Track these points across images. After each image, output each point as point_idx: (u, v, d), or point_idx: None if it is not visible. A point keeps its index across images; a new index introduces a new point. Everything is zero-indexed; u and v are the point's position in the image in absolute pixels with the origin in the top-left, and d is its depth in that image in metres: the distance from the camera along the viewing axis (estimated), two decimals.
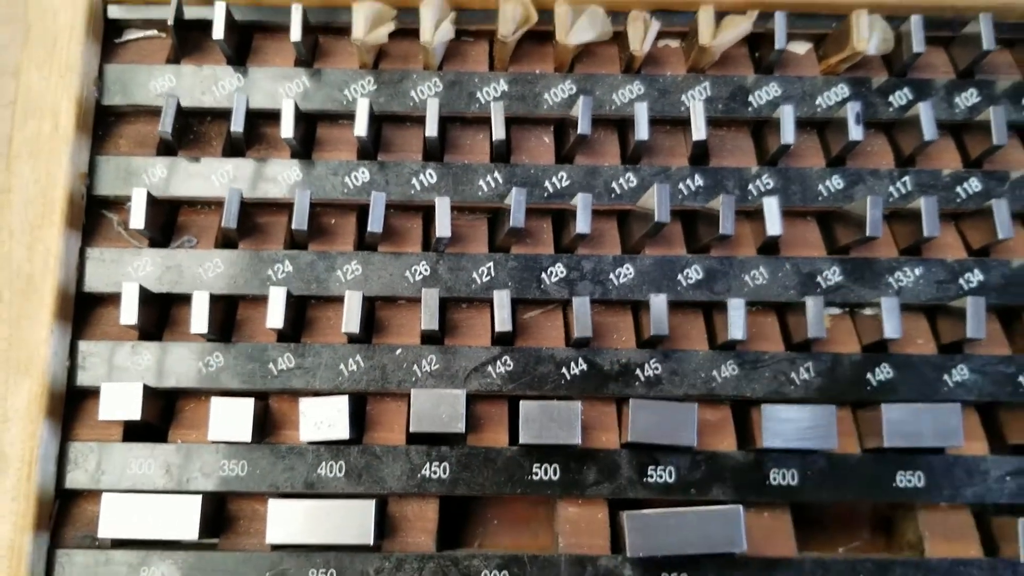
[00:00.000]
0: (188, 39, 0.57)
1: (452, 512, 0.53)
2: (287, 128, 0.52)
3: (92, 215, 0.55)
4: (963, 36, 0.57)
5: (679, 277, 0.53)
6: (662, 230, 0.51)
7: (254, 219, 0.55)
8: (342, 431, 0.49)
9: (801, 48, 0.58)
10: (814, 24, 0.57)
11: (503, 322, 0.50)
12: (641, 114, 0.53)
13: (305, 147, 0.55)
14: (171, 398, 0.53)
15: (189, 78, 0.56)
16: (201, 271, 0.53)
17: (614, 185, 0.55)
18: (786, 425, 0.50)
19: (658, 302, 0.51)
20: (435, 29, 0.53)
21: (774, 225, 0.51)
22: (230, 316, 0.54)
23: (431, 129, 0.52)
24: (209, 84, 0.55)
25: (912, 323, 0.54)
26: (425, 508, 0.51)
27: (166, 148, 0.55)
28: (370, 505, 0.48)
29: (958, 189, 0.55)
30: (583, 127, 0.53)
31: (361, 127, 0.52)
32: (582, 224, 0.51)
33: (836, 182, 0.54)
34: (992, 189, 0.55)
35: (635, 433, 0.49)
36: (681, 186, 0.55)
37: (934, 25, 0.57)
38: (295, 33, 0.53)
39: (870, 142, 0.56)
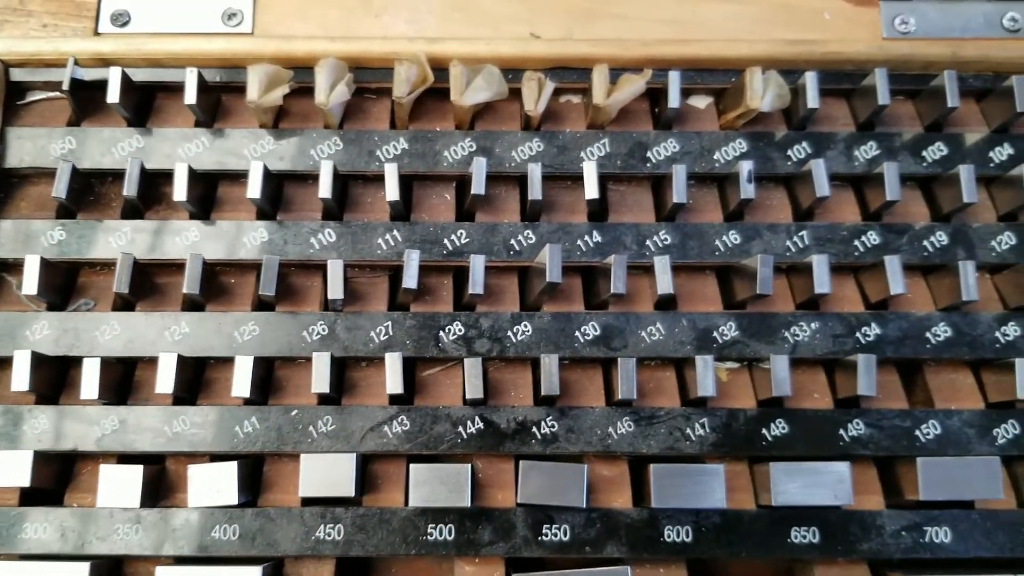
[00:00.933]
0: (90, 100, 0.58)
1: (351, 571, 0.54)
2: (180, 191, 0.54)
3: None
4: (862, 88, 0.58)
5: (576, 333, 0.54)
6: (557, 288, 0.52)
7: (153, 280, 0.56)
8: (231, 497, 0.50)
9: (701, 102, 0.59)
10: (713, 79, 0.58)
11: (395, 385, 0.51)
12: (535, 175, 0.55)
13: (204, 206, 0.56)
14: (69, 461, 0.54)
15: (89, 140, 0.57)
16: (98, 334, 0.54)
17: (513, 242, 0.56)
18: (677, 481, 0.50)
19: (549, 362, 0.52)
20: (330, 90, 0.54)
21: (665, 284, 0.53)
22: (127, 378, 0.55)
23: (324, 191, 0.53)
24: (108, 146, 0.57)
25: (809, 377, 0.55)
26: (321, 569, 0.52)
27: (65, 210, 0.56)
28: (256, 571, 0.48)
29: (856, 243, 0.56)
30: (477, 187, 0.54)
31: (255, 189, 0.54)
32: (476, 284, 0.52)
33: (733, 237, 0.56)
34: (891, 242, 0.56)
35: (525, 495, 0.50)
36: (580, 242, 0.56)
37: (833, 78, 0.58)
38: (190, 96, 0.55)
39: (769, 195, 0.58)
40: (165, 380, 0.52)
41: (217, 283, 0.56)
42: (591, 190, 0.55)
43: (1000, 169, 0.58)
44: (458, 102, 0.55)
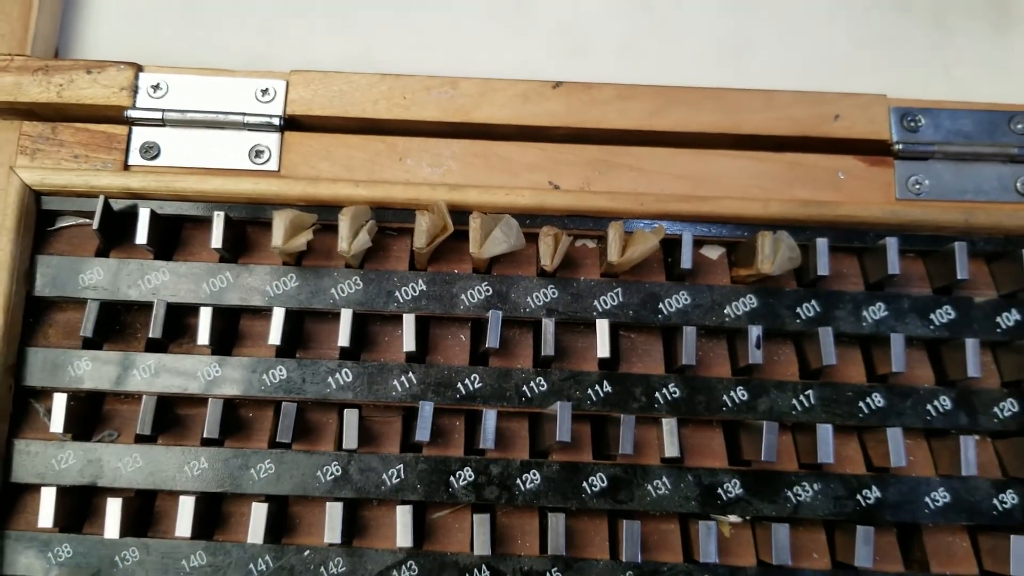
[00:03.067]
0: (118, 230, 0.62)
1: None
2: (204, 335, 0.58)
3: (20, 404, 0.60)
4: (873, 249, 0.61)
5: (584, 484, 0.58)
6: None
7: (174, 412, 0.60)
8: None
9: (714, 253, 0.63)
10: (726, 231, 0.62)
11: (404, 538, 0.55)
12: (549, 330, 0.59)
13: (226, 341, 0.60)
14: None
15: (116, 272, 0.61)
16: (120, 465, 0.59)
17: (525, 389, 0.60)
18: None
19: (556, 522, 0.56)
20: (352, 238, 0.58)
21: (672, 447, 0.57)
22: (147, 511, 0.59)
23: (344, 339, 0.57)
24: (135, 278, 0.61)
25: (809, 537, 0.59)
26: None
27: (92, 340, 0.60)
28: None
29: (861, 404, 0.59)
30: (492, 340, 0.58)
31: (276, 335, 0.58)
32: (488, 439, 0.56)
33: (741, 393, 0.60)
34: (895, 405, 0.60)
35: None
36: (590, 391, 0.60)
37: (845, 236, 0.62)
38: (216, 239, 0.58)
39: (777, 352, 0.62)
40: (184, 522, 0.55)
41: (236, 417, 0.60)
42: (603, 348, 0.59)
43: (1007, 335, 0.61)
44: (477, 254, 0.59)
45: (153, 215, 0.61)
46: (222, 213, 0.61)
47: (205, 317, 0.59)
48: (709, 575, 0.58)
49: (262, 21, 0.71)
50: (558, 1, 0.72)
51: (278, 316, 0.60)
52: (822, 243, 0.61)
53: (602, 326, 0.60)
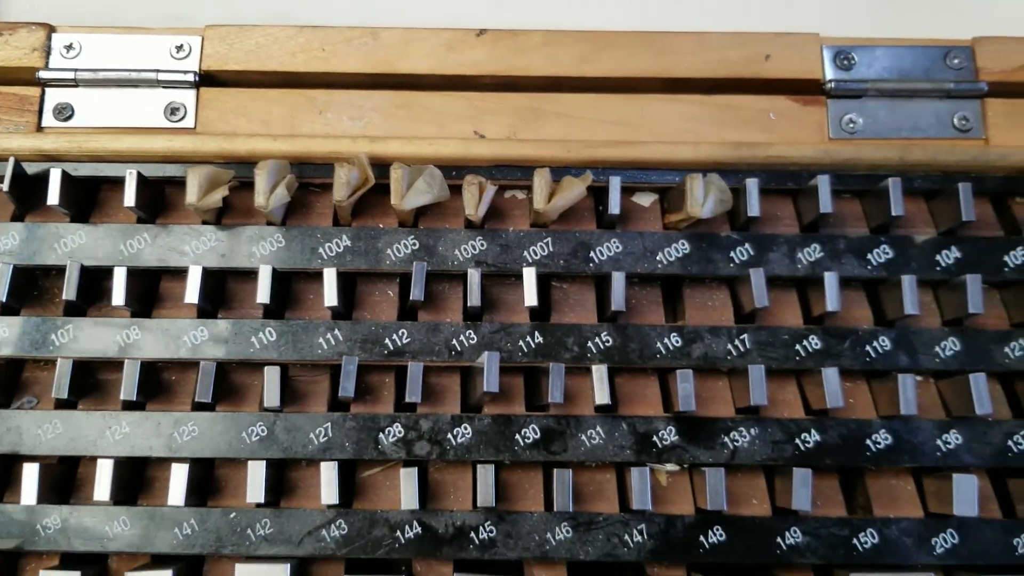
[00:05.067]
0: (33, 194, 0.61)
1: None
2: (119, 296, 0.57)
3: None
4: (807, 190, 0.61)
5: (516, 436, 0.58)
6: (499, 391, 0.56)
7: (95, 376, 0.59)
8: None
9: (646, 200, 0.63)
10: (658, 177, 0.62)
11: (330, 495, 0.54)
12: (475, 280, 0.58)
13: (145, 303, 0.60)
14: (12, 559, 0.57)
15: (31, 236, 0.61)
16: (40, 432, 0.58)
17: (455, 343, 0.59)
18: None
19: (485, 472, 0.55)
20: (270, 193, 0.57)
21: (603, 394, 0.56)
22: (69, 478, 0.58)
23: (263, 295, 0.57)
24: (51, 242, 0.60)
25: (747, 483, 0.59)
26: None
27: (8, 306, 0.59)
28: None
29: (798, 347, 0.59)
30: (416, 293, 0.58)
31: (193, 293, 0.57)
32: (414, 392, 0.56)
33: (674, 339, 0.59)
34: (833, 347, 0.59)
35: None
36: (521, 343, 0.59)
37: (778, 178, 0.61)
38: (129, 198, 0.58)
39: (711, 296, 0.61)
40: (103, 486, 0.55)
41: (158, 380, 0.60)
42: (530, 297, 0.58)
43: (946, 273, 0.61)
44: (398, 206, 0.58)
45: (65, 176, 0.60)
46: (134, 171, 0.60)
47: (120, 278, 0.59)
48: (646, 524, 0.58)
49: None
50: None
51: (195, 275, 0.59)
52: (752, 183, 0.61)
53: (528, 274, 0.60)
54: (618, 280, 0.59)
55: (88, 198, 0.64)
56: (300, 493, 0.59)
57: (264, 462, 0.56)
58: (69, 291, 0.59)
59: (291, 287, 0.63)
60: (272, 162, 0.60)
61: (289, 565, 0.55)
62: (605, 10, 0.68)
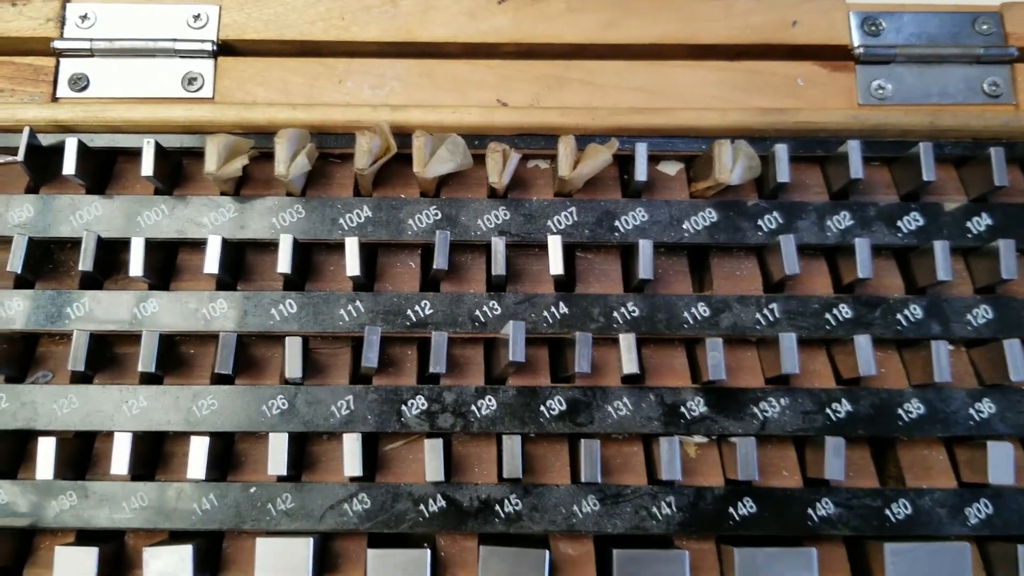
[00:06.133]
0: (48, 165, 0.60)
1: None
2: (136, 266, 0.55)
3: None
4: (836, 156, 0.59)
5: (542, 408, 0.56)
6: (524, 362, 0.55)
7: (112, 350, 0.58)
8: None
9: (672, 168, 0.61)
10: (684, 145, 0.60)
11: (353, 467, 0.53)
12: (499, 248, 0.56)
13: (163, 275, 0.58)
14: (27, 536, 0.55)
15: (47, 208, 0.59)
16: (56, 407, 0.56)
17: (478, 313, 0.57)
18: (641, 567, 0.52)
19: (512, 443, 0.53)
20: (291, 161, 0.56)
21: (631, 363, 0.54)
22: (85, 453, 0.56)
23: (284, 265, 0.55)
24: (67, 213, 0.58)
25: (778, 454, 0.57)
26: None
27: (24, 279, 0.57)
28: None
29: (828, 316, 0.57)
30: (440, 262, 0.56)
31: (212, 264, 0.55)
32: (438, 363, 0.54)
33: (702, 309, 0.57)
34: (863, 316, 0.57)
35: None
36: (546, 313, 0.57)
37: (807, 145, 0.60)
38: (147, 168, 0.56)
39: (739, 266, 0.59)
40: (120, 460, 0.53)
41: (176, 354, 0.58)
42: (556, 265, 0.56)
43: (978, 240, 0.59)
44: (420, 174, 0.57)
45: (81, 146, 0.59)
46: (152, 140, 0.58)
47: (137, 248, 0.57)
48: (674, 496, 0.56)
49: None
50: None
51: (214, 245, 0.57)
52: (781, 149, 0.59)
53: (554, 242, 0.58)
54: (645, 248, 0.57)
55: (104, 169, 0.62)
56: (321, 467, 0.57)
57: (286, 435, 0.55)
58: (85, 262, 0.57)
59: (311, 258, 0.61)
60: (292, 131, 0.58)
61: (312, 540, 0.53)
62: None
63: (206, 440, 0.54)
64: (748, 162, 0.58)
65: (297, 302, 0.58)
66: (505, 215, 0.60)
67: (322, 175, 0.61)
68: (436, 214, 0.60)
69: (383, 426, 0.57)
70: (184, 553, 0.53)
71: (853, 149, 0.59)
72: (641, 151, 0.59)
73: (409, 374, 0.59)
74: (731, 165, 0.58)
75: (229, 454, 0.58)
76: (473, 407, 0.57)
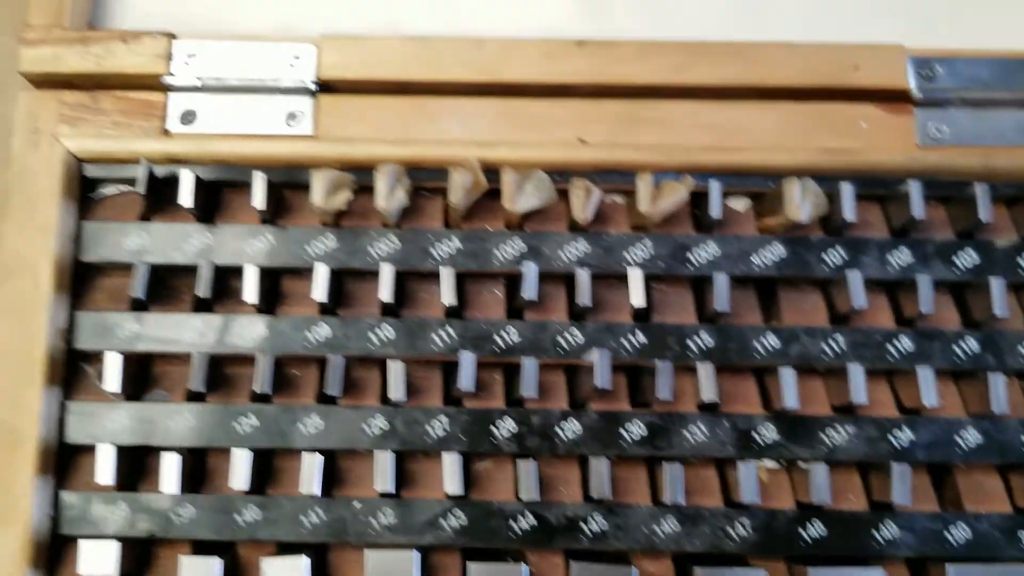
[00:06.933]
0: (159, 195, 0.63)
1: None
2: (251, 292, 0.59)
3: (71, 367, 0.61)
4: (896, 195, 0.62)
5: (622, 431, 0.60)
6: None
7: (222, 371, 0.61)
8: None
9: (740, 204, 0.64)
10: (751, 182, 0.63)
11: (453, 485, 0.57)
12: (584, 280, 0.59)
13: (269, 301, 0.61)
14: (147, 546, 0.59)
15: (159, 236, 0.62)
16: (172, 424, 0.60)
17: (560, 340, 0.61)
18: None
19: (600, 465, 0.57)
20: (390, 195, 0.59)
21: (710, 392, 0.58)
22: (200, 467, 0.60)
23: (385, 294, 0.59)
24: (179, 242, 0.62)
25: (844, 479, 0.61)
26: None
27: (139, 303, 0.61)
28: None
29: (889, 347, 0.60)
30: (529, 293, 0.59)
31: (320, 292, 0.59)
32: (529, 387, 0.57)
33: (772, 340, 0.61)
34: (923, 348, 0.61)
35: None
36: (624, 341, 0.61)
37: (868, 184, 0.63)
38: (258, 201, 0.59)
39: (805, 298, 0.63)
40: (239, 476, 0.57)
41: (281, 375, 0.61)
42: (637, 297, 0.60)
43: None
44: (511, 208, 0.60)
45: (196, 179, 0.62)
46: (263, 175, 0.62)
47: (251, 276, 0.60)
48: (749, 518, 0.60)
49: None
50: None
51: (322, 273, 0.61)
52: (847, 188, 0.62)
53: (635, 275, 0.61)
54: (721, 282, 0.61)
55: (211, 201, 0.65)
56: (417, 484, 0.61)
57: (391, 453, 0.58)
58: (203, 289, 0.60)
59: (403, 286, 0.64)
60: (391, 166, 0.61)
61: (416, 553, 0.57)
62: (696, 21, 0.69)
63: (319, 458, 0.58)
64: (816, 200, 0.62)
65: (394, 328, 0.62)
66: (585, 247, 0.63)
67: (414, 207, 0.65)
68: (521, 246, 0.63)
69: (475, 446, 0.60)
70: (300, 564, 0.57)
71: (915, 190, 0.62)
72: (716, 189, 0.62)
73: (497, 396, 0.62)
74: (800, 203, 0.61)
75: (331, 470, 0.61)
76: (558, 429, 0.61)
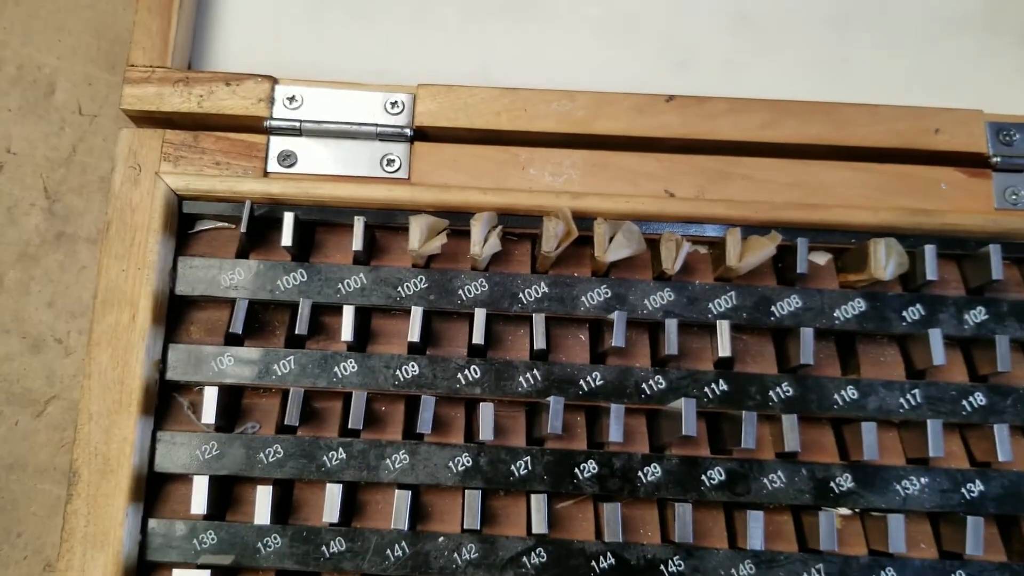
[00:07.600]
0: (256, 232, 0.64)
1: None
2: (347, 330, 0.60)
3: (163, 396, 0.62)
4: (974, 256, 0.63)
5: (703, 477, 0.60)
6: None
7: (312, 404, 0.62)
8: None
9: (822, 259, 0.65)
10: (833, 238, 0.64)
11: (540, 524, 0.58)
12: (671, 330, 0.60)
13: (360, 338, 0.62)
14: (232, 575, 0.60)
15: (256, 273, 0.63)
16: (262, 456, 0.61)
17: (644, 386, 0.62)
18: None
19: (683, 511, 0.58)
20: (484, 242, 0.60)
21: (792, 441, 0.59)
22: (287, 498, 0.61)
23: (478, 335, 0.60)
24: (274, 279, 0.63)
25: (916, 527, 0.62)
26: None
27: (233, 337, 0.62)
28: None
29: (964, 402, 0.62)
30: (617, 340, 0.61)
31: (415, 332, 0.60)
32: (615, 432, 0.59)
33: (851, 392, 0.62)
34: (996, 404, 0.62)
35: None
36: (707, 389, 0.62)
37: (946, 243, 0.64)
38: (357, 243, 0.61)
39: (884, 352, 0.64)
40: (331, 509, 0.58)
41: (370, 411, 0.62)
42: (724, 348, 0.61)
43: None
44: (601, 259, 0.61)
45: (296, 220, 0.64)
46: (362, 218, 0.63)
47: (348, 315, 0.62)
48: (824, 565, 0.61)
49: (383, 35, 0.74)
50: (663, 16, 0.74)
51: (416, 315, 0.62)
52: (930, 250, 0.64)
53: (722, 327, 0.63)
54: (806, 336, 0.62)
55: (306, 239, 0.67)
56: (499, 521, 0.62)
57: (479, 491, 0.59)
58: (301, 326, 0.62)
59: (490, 328, 0.65)
60: (486, 213, 0.63)
61: None
62: (780, 80, 0.71)
63: (407, 493, 0.59)
64: (899, 259, 0.63)
65: (480, 368, 0.63)
66: (670, 296, 0.65)
67: (503, 251, 0.66)
68: (607, 292, 0.65)
69: (558, 487, 0.61)
70: None
71: (995, 252, 0.63)
72: (802, 245, 0.63)
73: (580, 439, 0.63)
74: (885, 262, 0.62)
75: (415, 505, 0.62)
76: (639, 472, 0.62)
